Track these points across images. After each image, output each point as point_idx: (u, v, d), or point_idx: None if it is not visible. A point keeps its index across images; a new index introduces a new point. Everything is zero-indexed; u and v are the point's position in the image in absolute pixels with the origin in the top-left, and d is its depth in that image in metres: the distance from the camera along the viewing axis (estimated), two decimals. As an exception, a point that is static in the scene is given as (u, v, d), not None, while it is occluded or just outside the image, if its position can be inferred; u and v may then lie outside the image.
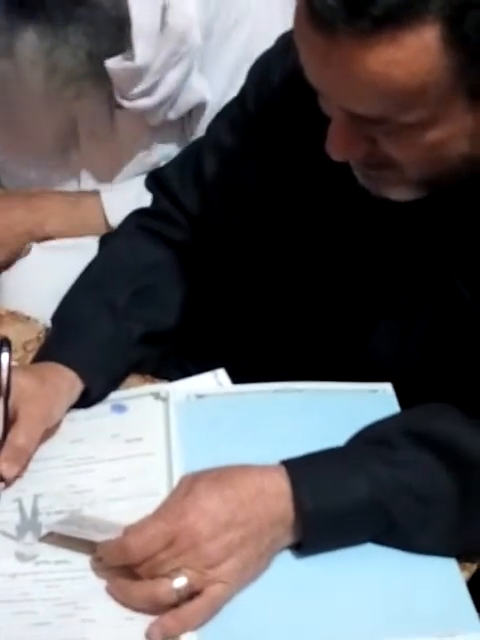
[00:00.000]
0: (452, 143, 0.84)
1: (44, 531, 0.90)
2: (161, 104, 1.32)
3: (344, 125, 0.85)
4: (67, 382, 1.00)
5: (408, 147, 0.84)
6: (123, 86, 1.28)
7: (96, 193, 1.40)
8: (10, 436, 0.94)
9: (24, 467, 0.94)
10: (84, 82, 1.26)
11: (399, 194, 0.92)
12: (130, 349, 1.06)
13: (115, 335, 1.05)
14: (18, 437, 0.93)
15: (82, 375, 1.00)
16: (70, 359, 1.00)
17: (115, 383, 1.05)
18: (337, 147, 0.87)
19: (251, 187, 1.10)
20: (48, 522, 0.90)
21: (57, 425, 0.99)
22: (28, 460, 0.95)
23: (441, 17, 0.76)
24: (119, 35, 1.24)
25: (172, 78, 1.30)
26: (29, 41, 1.22)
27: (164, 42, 1.26)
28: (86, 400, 1.02)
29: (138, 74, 1.27)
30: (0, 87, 1.33)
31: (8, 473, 0.93)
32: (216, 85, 1.34)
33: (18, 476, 0.94)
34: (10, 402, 0.94)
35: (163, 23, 1.25)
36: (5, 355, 0.94)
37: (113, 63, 1.25)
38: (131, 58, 1.25)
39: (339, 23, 0.76)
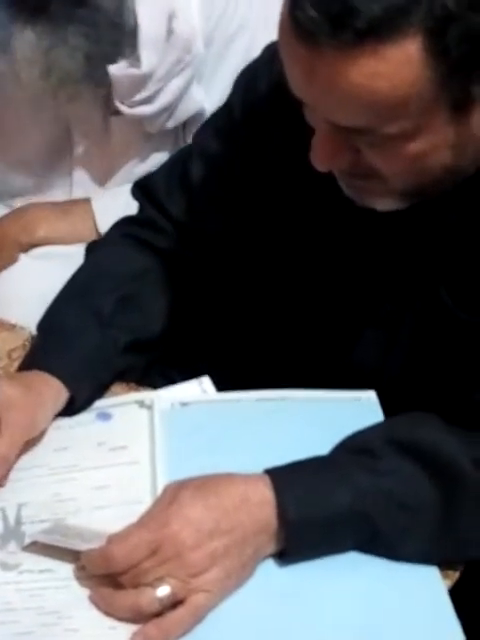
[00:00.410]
0: (435, 154, 0.84)
1: (27, 540, 0.89)
2: (161, 112, 1.32)
3: (328, 135, 0.86)
4: (52, 390, 1.00)
5: (391, 158, 0.85)
6: (124, 93, 1.28)
7: (87, 200, 1.40)
8: (-8, 444, 0.94)
9: (6, 476, 0.94)
10: (80, 85, 1.25)
11: (383, 204, 0.92)
12: (116, 357, 1.06)
13: (101, 343, 1.05)
14: (0, 446, 0.93)
15: (67, 383, 1.00)
16: (55, 367, 1.00)
17: (100, 391, 1.05)
18: (321, 157, 0.87)
19: (237, 195, 1.10)
20: (31, 531, 0.90)
21: (41, 433, 0.99)
22: (10, 468, 0.95)
23: (423, 29, 0.76)
24: (119, 40, 1.24)
25: (174, 86, 1.30)
26: (28, 39, 1.21)
27: (170, 50, 1.26)
28: (71, 408, 1.02)
29: (142, 81, 1.27)
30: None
31: (-10, 481, 0.93)
32: (213, 95, 1.33)
33: (1, 485, 0.94)
34: (-6, 410, 0.94)
35: (169, 31, 1.25)
36: (-10, 364, 0.95)
37: (117, 69, 1.24)
38: (136, 65, 1.24)
39: (322, 36, 0.77)
